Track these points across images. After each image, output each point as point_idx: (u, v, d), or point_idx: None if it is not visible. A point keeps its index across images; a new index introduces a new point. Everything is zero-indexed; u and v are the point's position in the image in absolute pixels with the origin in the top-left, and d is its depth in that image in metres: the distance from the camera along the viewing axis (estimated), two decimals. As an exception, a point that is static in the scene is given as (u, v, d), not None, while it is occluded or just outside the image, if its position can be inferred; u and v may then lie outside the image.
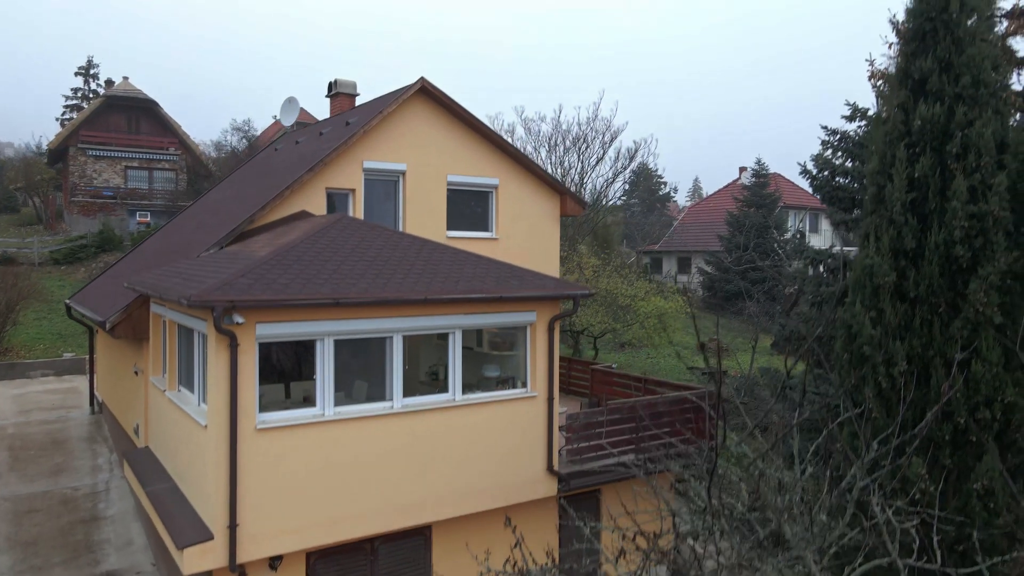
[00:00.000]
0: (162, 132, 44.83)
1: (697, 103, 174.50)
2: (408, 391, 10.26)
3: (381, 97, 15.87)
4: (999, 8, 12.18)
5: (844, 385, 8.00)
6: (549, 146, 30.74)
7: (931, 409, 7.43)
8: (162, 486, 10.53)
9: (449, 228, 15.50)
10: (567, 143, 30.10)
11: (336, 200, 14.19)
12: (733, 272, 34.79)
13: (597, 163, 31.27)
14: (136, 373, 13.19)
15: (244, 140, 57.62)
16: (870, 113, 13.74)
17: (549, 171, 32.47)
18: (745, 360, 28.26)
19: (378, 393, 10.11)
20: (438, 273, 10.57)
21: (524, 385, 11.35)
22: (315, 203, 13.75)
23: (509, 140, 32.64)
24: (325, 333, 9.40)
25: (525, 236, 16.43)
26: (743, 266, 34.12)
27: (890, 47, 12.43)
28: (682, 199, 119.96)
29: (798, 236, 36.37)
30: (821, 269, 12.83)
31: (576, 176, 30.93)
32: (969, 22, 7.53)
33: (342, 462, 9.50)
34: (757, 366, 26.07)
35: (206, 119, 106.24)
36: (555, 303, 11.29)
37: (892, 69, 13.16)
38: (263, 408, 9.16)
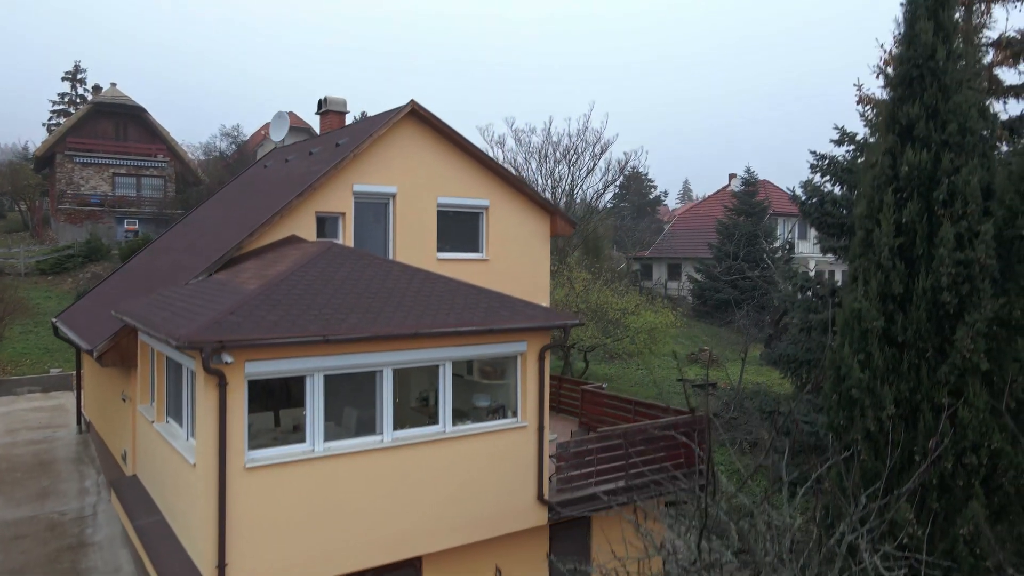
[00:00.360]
0: (150, 139, 44.59)
1: (685, 94, 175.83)
2: (398, 418, 10.24)
3: (371, 118, 15.84)
4: (986, 37, 12.32)
5: (833, 425, 8.04)
6: (539, 157, 30.80)
7: (919, 452, 7.50)
8: (150, 520, 10.47)
9: (439, 250, 15.48)
10: (557, 155, 30.17)
11: (326, 224, 14.14)
12: (723, 282, 34.94)
13: (587, 174, 31.39)
14: (124, 399, 13.10)
15: (233, 145, 57.48)
16: (858, 138, 13.84)
17: (540, 182, 32.56)
18: (734, 370, 28.40)
19: (368, 423, 10.09)
20: (428, 305, 10.55)
21: (515, 414, 11.34)
22: (305, 227, 13.70)
23: (500, 151, 32.78)
24: (315, 369, 9.36)
25: (515, 256, 16.44)
26: (732, 276, 34.25)
27: (878, 76, 12.52)
28: (672, 202, 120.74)
29: (787, 246, 36.54)
30: (810, 294, 12.91)
31: (567, 187, 31.00)
32: (958, 66, 7.58)
33: (333, 498, 9.47)
34: (748, 385, 26.18)
35: (195, 120, 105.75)
36: (546, 333, 11.29)
37: (882, 96, 13.26)
38: (252, 438, 9.13)
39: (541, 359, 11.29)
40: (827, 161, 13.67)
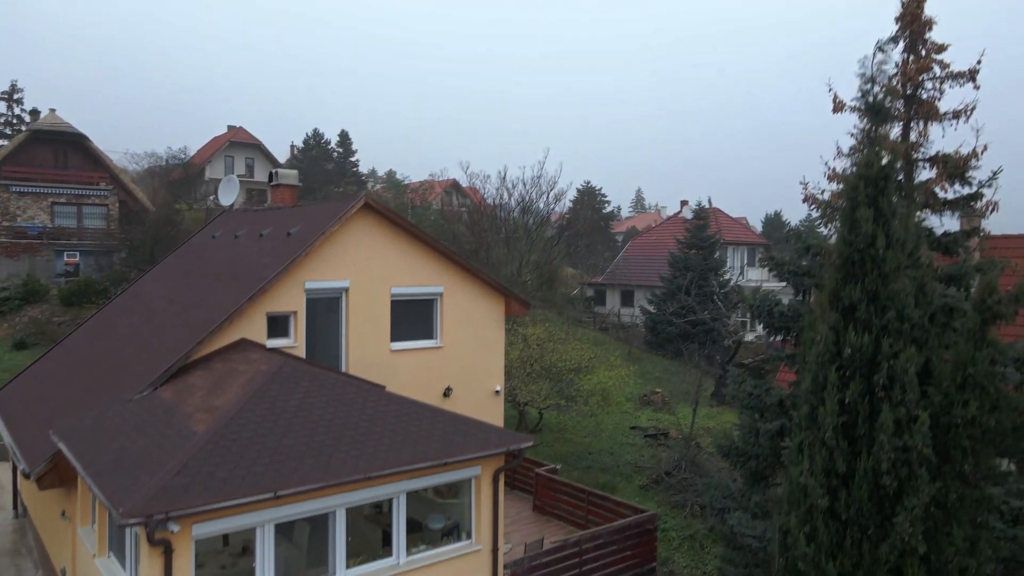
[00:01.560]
0: (92, 167, 43.11)
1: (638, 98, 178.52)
2: (353, 542, 10.09)
3: (324, 208, 15.60)
4: (922, 153, 12.80)
5: (780, 589, 8.22)
6: (495, 203, 30.80)
7: (861, 626, 7.69)
8: (92, 665, 10.12)
9: (393, 339, 15.35)
10: (512, 202, 30.25)
11: (277, 323, 13.88)
12: (675, 320, 35.51)
13: (543, 223, 31.53)
14: (63, 515, 12.64)
15: (180, 165, 56.11)
16: (803, 238, 14.25)
17: (495, 225, 32.57)
18: (686, 414, 28.85)
19: (321, 540, 9.91)
20: (382, 437, 10.45)
21: (469, 536, 11.33)
22: (255, 328, 13.43)
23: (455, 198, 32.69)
24: (266, 521, 9.20)
25: (470, 341, 16.41)
26: (684, 317, 34.82)
27: (821, 193, 12.92)
28: (626, 210, 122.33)
29: (738, 287, 37.28)
30: (761, 400, 13.25)
31: (522, 233, 31.08)
32: (897, 253, 7.85)
33: (283, 649, 9.31)
34: (699, 432, 26.58)
35: (141, 138, 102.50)
36: (499, 456, 11.31)
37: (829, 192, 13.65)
38: (199, 567, 8.91)
39: (495, 481, 11.31)
40: (775, 262, 14.08)
